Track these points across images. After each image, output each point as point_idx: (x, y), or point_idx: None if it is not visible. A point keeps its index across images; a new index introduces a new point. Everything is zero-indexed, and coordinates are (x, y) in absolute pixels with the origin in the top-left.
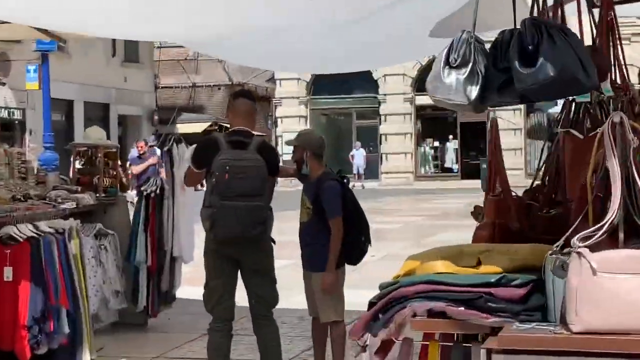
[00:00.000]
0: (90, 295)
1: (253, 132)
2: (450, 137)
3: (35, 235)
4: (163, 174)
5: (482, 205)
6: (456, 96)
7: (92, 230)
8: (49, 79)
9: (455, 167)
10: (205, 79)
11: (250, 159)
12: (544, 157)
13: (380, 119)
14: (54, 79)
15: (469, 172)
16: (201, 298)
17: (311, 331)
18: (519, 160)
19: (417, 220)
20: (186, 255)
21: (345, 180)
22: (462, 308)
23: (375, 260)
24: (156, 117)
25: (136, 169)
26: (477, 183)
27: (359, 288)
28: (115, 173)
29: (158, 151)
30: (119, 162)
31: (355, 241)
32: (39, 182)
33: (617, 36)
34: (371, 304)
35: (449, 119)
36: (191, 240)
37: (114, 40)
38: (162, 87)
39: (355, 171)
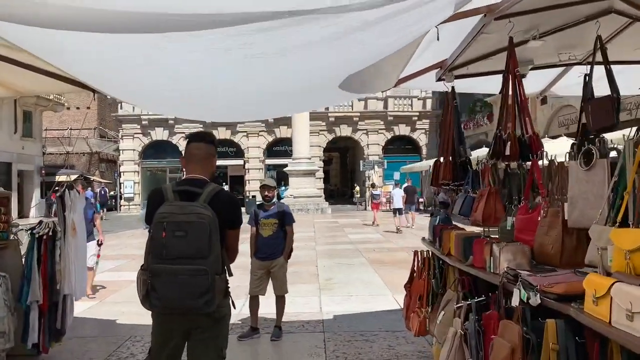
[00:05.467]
0: None
1: (207, 180)
2: (223, 183)
3: None
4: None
5: None
6: None
7: None
8: None
9: None
10: (75, 149)
11: (195, 212)
12: None
13: (182, 173)
14: None
15: None
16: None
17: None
18: None
19: None
20: (78, 293)
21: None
22: None
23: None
24: (43, 172)
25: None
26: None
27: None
28: (6, 218)
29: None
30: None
31: None
32: None
33: None
34: None
35: (222, 174)
36: (83, 277)
37: (15, 122)
38: (47, 154)
39: None
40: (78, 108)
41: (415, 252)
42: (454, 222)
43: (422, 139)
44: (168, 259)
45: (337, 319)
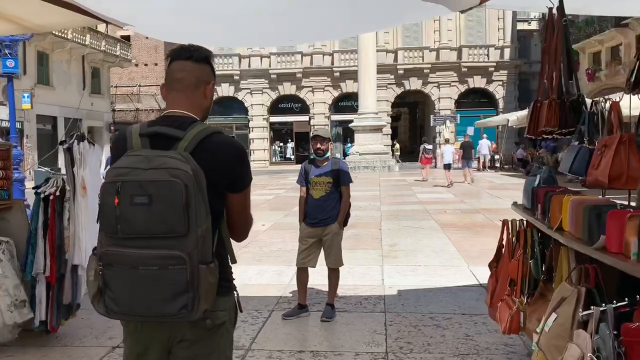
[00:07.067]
0: None
1: (196, 119)
2: (289, 140)
3: None
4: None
5: None
6: None
7: None
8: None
9: (293, 157)
10: (144, 106)
11: (166, 167)
12: None
13: (249, 130)
14: (44, 102)
15: (300, 160)
16: None
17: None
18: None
19: (280, 192)
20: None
21: None
22: None
23: (265, 230)
24: (112, 128)
25: None
26: None
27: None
28: (6, 174)
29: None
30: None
31: None
32: None
33: None
34: None
35: (288, 130)
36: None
37: (83, 78)
38: (117, 110)
39: None
40: (146, 65)
41: (504, 222)
42: (559, 184)
43: (498, 91)
44: (124, 239)
45: (401, 295)
